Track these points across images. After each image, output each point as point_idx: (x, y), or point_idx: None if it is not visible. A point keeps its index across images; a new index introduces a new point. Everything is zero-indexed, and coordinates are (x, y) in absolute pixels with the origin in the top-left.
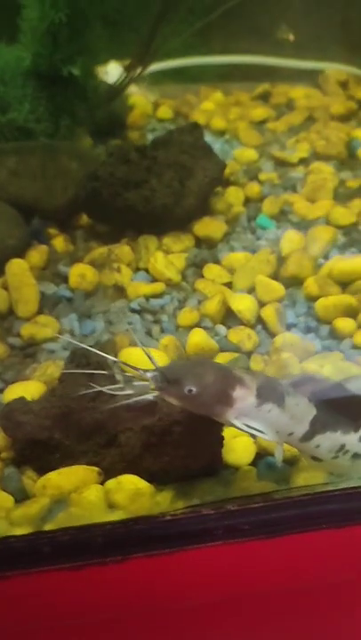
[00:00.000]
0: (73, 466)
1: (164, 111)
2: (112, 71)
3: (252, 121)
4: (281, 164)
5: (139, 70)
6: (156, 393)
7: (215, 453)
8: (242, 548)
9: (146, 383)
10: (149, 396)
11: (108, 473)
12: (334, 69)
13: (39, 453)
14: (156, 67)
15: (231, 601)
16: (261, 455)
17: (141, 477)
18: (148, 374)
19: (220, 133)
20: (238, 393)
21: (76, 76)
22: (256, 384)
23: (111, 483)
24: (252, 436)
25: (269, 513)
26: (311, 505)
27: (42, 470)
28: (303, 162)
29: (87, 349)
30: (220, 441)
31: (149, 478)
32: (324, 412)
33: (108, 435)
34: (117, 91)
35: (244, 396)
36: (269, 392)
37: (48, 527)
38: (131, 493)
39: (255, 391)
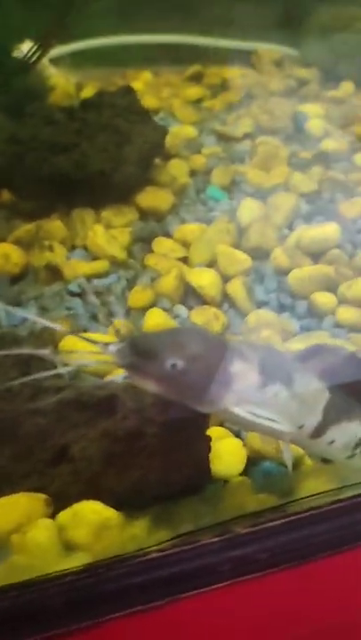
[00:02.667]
0: (10, 495)
1: (89, 92)
2: (25, 49)
3: (186, 100)
4: (224, 138)
5: (51, 46)
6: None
7: (202, 461)
8: (260, 584)
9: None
10: (118, 378)
11: (59, 500)
12: (267, 49)
13: None
14: (76, 46)
15: None
16: (254, 461)
17: (106, 503)
18: (111, 347)
19: (154, 112)
20: (237, 368)
21: None
22: (257, 357)
23: (65, 514)
24: (257, 427)
25: (293, 532)
26: (346, 514)
27: None
28: (248, 136)
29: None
30: (207, 443)
31: (116, 502)
32: (337, 395)
33: (55, 446)
34: (28, 65)
35: (244, 373)
36: (275, 368)
37: None
38: (94, 526)
39: (257, 366)
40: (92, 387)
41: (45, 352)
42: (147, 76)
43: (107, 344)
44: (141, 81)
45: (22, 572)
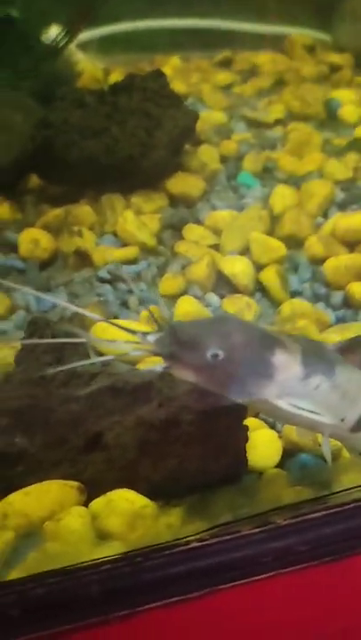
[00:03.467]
0: (43, 482)
1: (117, 77)
2: (53, 34)
3: (216, 85)
4: (255, 124)
5: (79, 31)
6: (160, 363)
7: (239, 451)
8: (301, 577)
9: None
10: (157, 368)
11: (92, 488)
12: (299, 34)
13: None
14: (104, 31)
15: None
16: (290, 453)
17: (140, 491)
18: (150, 337)
19: (183, 98)
20: (280, 359)
21: (16, 19)
22: (299, 348)
23: (99, 502)
24: (296, 420)
25: (335, 524)
26: None
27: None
28: (279, 122)
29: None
30: (244, 433)
31: (151, 492)
32: None
33: (88, 433)
34: (56, 50)
35: (286, 365)
36: (316, 360)
37: (13, 576)
38: (127, 515)
39: (299, 358)
40: (127, 373)
41: (84, 340)
42: (175, 61)
43: (145, 333)
44: (170, 66)
45: (56, 560)
